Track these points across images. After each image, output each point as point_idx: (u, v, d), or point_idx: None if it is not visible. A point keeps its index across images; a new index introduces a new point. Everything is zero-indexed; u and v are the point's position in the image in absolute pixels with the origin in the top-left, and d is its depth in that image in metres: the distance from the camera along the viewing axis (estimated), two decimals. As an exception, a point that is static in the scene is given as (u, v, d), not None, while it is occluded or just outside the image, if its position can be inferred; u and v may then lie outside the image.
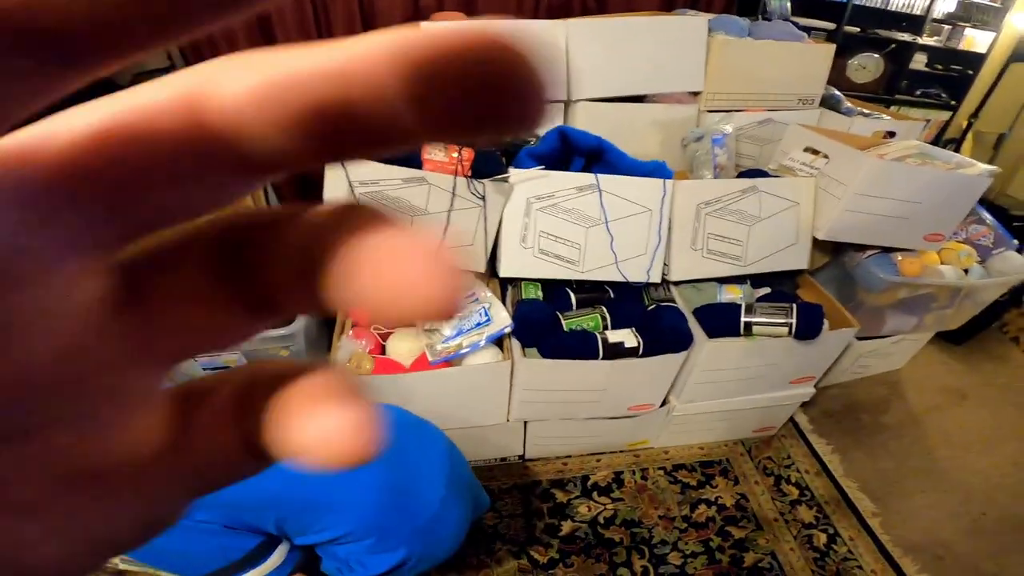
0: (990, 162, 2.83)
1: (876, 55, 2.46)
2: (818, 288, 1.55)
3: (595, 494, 1.66)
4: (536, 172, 1.34)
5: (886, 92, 2.72)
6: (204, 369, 1.40)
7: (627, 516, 1.58)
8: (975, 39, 2.69)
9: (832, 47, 1.72)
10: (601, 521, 1.57)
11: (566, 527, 1.55)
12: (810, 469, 1.76)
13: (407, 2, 2.08)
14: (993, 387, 1.78)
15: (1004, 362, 2.21)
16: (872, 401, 1.97)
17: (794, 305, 1.42)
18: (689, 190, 1.39)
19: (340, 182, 1.32)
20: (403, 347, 1.41)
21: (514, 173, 1.33)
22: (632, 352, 1.38)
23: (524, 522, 1.55)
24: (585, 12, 2.16)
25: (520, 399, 1.44)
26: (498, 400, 1.44)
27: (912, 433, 1.93)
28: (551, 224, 1.37)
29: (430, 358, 1.34)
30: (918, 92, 2.79)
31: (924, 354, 2.05)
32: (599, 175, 1.34)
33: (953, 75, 2.78)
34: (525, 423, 1.58)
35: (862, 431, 1.88)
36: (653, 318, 1.42)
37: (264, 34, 2.20)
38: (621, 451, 1.78)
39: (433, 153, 1.29)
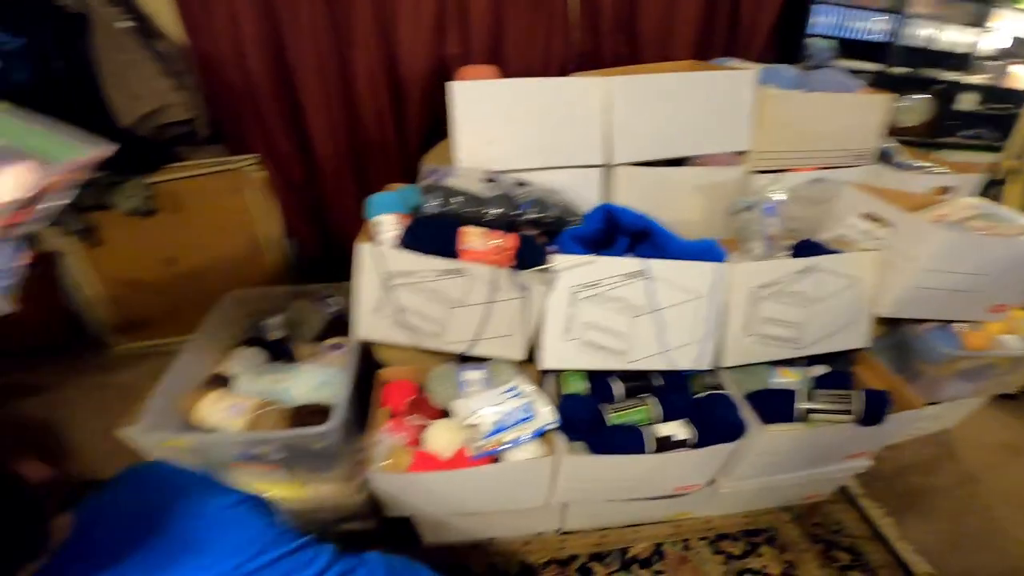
0: None
1: (924, 96, 2.34)
2: (879, 366, 1.45)
3: (635, 567, 1.59)
4: (580, 259, 1.25)
5: (932, 135, 2.62)
6: (235, 459, 1.34)
7: (669, 590, 1.52)
8: (1022, 76, 2.60)
9: (889, 97, 1.61)
10: (642, 595, 1.51)
11: (607, 603, 1.49)
12: (862, 533, 1.68)
13: (432, 55, 1.99)
14: (1053, 441, 1.69)
15: (1062, 416, 2.10)
16: (923, 462, 1.88)
17: (858, 393, 1.33)
18: (743, 273, 1.30)
19: (374, 275, 1.24)
20: (442, 439, 1.34)
21: (558, 259, 1.24)
22: (682, 444, 1.30)
23: (564, 599, 1.50)
24: (617, 59, 2.07)
25: (563, 487, 1.37)
26: (539, 488, 1.37)
27: (967, 492, 1.84)
28: (596, 314, 1.29)
29: (471, 453, 1.28)
30: (965, 133, 2.69)
31: (976, 410, 1.96)
32: (648, 260, 1.26)
33: (999, 114, 2.67)
34: (565, 503, 1.52)
35: (915, 493, 1.80)
36: (704, 407, 1.34)
37: (295, 119, 2.11)
38: (661, 521, 1.71)
39: (471, 243, 1.21)
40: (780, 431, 1.31)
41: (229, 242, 2.30)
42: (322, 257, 2.43)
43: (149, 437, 1.27)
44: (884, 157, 1.71)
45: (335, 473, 1.43)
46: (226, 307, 1.71)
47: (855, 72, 2.24)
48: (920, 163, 1.72)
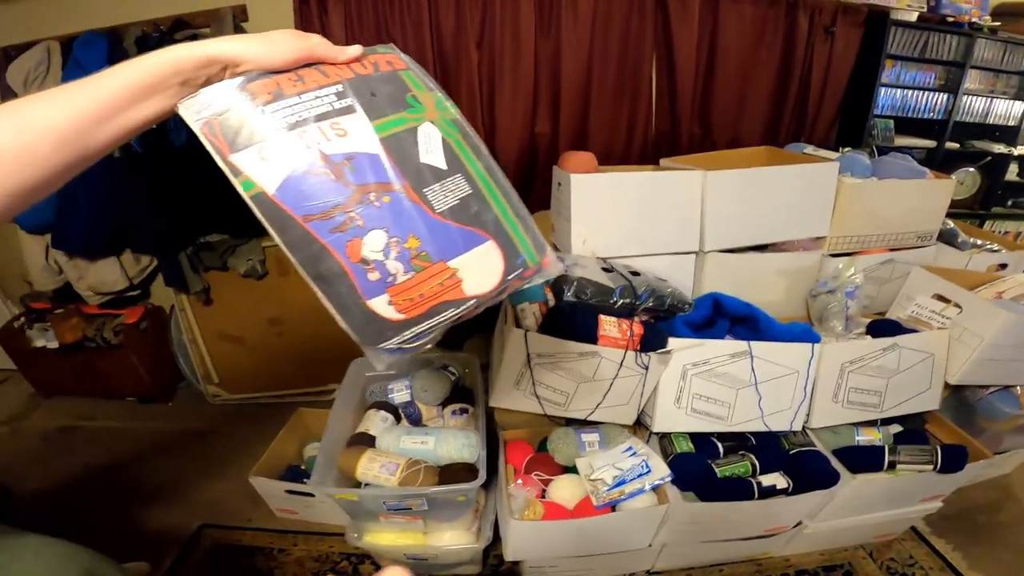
0: None
1: (972, 169, 2.51)
2: (948, 424, 1.64)
3: (719, 605, 1.76)
4: (693, 342, 1.46)
5: (982, 206, 2.73)
6: (388, 510, 1.53)
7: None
8: None
9: (952, 181, 1.79)
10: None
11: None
12: (933, 565, 1.82)
13: (525, 133, 2.20)
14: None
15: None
16: (986, 503, 2.03)
17: (938, 448, 1.52)
18: (834, 352, 1.50)
19: (520, 355, 1.45)
20: (567, 492, 1.54)
21: (673, 342, 1.45)
22: (783, 492, 1.50)
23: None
24: (691, 140, 2.27)
25: (669, 530, 1.56)
26: (648, 532, 1.55)
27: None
28: (704, 387, 1.49)
29: (595, 503, 1.47)
30: (1009, 203, 2.78)
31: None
32: (752, 343, 1.46)
33: None
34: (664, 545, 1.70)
35: (979, 530, 1.94)
36: (798, 461, 1.52)
37: None
38: (744, 560, 1.88)
39: (608, 330, 1.42)
40: (870, 478, 1.50)
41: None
42: None
43: (321, 491, 1.49)
44: (946, 237, 1.90)
45: (460, 522, 1.63)
46: (354, 372, 1.92)
47: (912, 149, 2.45)
48: (977, 240, 1.91)
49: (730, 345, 1.47)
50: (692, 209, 1.69)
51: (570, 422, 1.64)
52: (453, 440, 1.57)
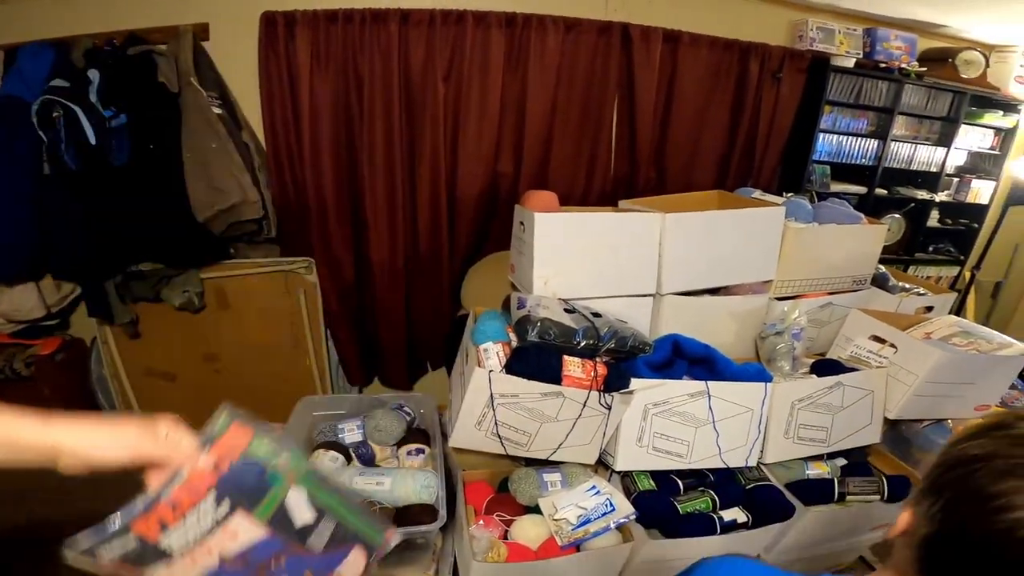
0: (990, 310, 3.16)
1: (898, 215, 2.70)
2: (889, 457, 1.74)
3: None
4: (654, 382, 1.48)
5: (906, 252, 2.90)
6: None
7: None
8: (980, 191, 2.87)
9: (884, 227, 1.93)
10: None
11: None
12: None
13: (489, 170, 2.20)
14: None
15: None
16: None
17: (884, 479, 1.60)
18: (785, 391, 1.56)
19: (483, 395, 1.42)
20: (531, 532, 1.50)
21: (635, 383, 1.47)
22: (743, 526, 1.52)
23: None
24: (647, 184, 2.35)
25: (634, 569, 1.55)
26: (613, 569, 1.53)
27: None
28: (664, 426, 1.51)
29: (560, 543, 1.44)
30: (930, 248, 2.96)
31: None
32: (709, 383, 1.50)
33: (961, 228, 2.96)
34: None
35: None
36: (755, 496, 1.56)
37: (356, 226, 2.23)
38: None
39: (572, 370, 1.42)
40: (823, 510, 1.55)
41: (272, 342, 2.32)
42: (359, 362, 2.50)
43: None
44: (878, 281, 2.04)
45: (417, 566, 1.56)
46: (301, 411, 1.82)
47: (846, 195, 2.62)
48: (905, 284, 2.06)
49: (689, 385, 1.50)
50: (650, 251, 1.72)
51: (531, 463, 1.62)
52: (412, 481, 1.51)
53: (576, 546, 1.46)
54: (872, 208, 2.63)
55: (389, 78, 2.01)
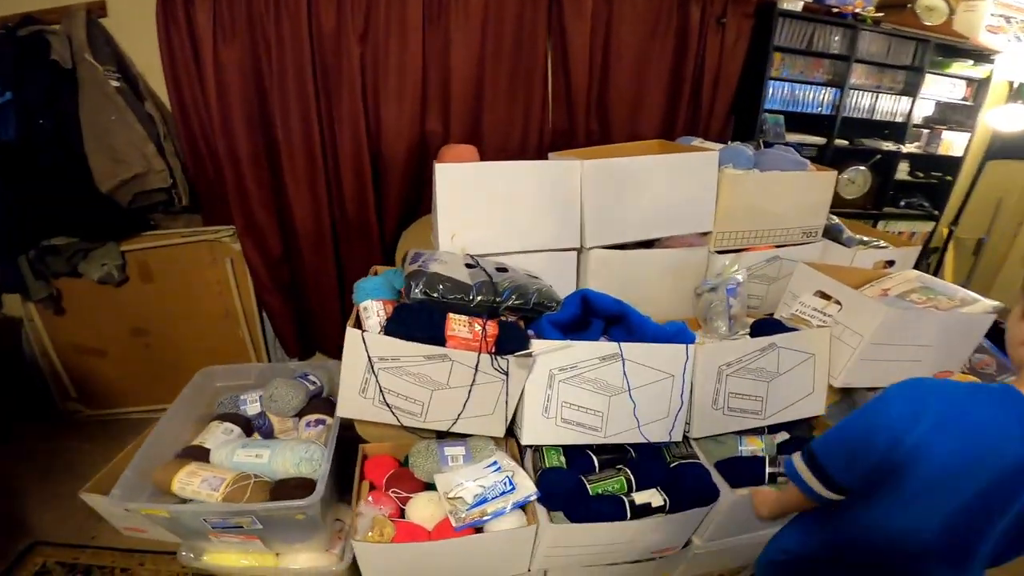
0: (972, 269, 2.94)
1: (863, 167, 2.49)
2: (833, 432, 1.55)
3: (614, 634, 1.62)
4: (558, 344, 1.32)
5: (874, 206, 2.72)
6: (213, 528, 1.34)
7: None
8: (952, 143, 2.71)
9: (834, 174, 1.75)
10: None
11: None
12: None
13: (414, 132, 2.06)
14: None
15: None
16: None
17: None
18: (710, 353, 1.39)
19: (361, 359, 1.28)
20: (425, 511, 1.37)
21: (536, 344, 1.31)
22: (659, 510, 1.36)
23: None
24: (589, 137, 2.18)
25: (544, 555, 1.41)
26: (522, 556, 1.40)
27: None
28: (574, 394, 1.35)
29: (454, 524, 1.30)
30: (902, 203, 2.78)
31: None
32: (622, 344, 1.33)
33: (933, 182, 2.79)
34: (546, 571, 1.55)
35: None
36: (677, 476, 1.40)
37: (277, 192, 2.13)
38: (642, 584, 1.75)
39: (457, 329, 1.26)
40: (747, 493, 1.38)
41: (202, 314, 2.26)
42: (295, 333, 2.41)
43: (121, 505, 1.29)
44: (832, 233, 1.85)
45: (313, 544, 1.44)
46: (201, 381, 1.72)
47: (802, 146, 2.43)
48: (864, 238, 1.86)
49: (599, 347, 1.34)
50: (571, 202, 1.57)
51: (443, 436, 1.48)
52: (290, 454, 1.38)
53: (476, 527, 1.33)
54: (832, 159, 2.46)
55: (299, 42, 1.88)
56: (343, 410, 1.37)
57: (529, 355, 1.29)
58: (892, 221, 2.76)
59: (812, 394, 1.51)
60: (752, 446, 1.49)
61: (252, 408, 1.65)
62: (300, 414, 1.62)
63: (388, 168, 2.10)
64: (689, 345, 1.36)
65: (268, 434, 1.61)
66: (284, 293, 2.28)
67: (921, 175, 2.80)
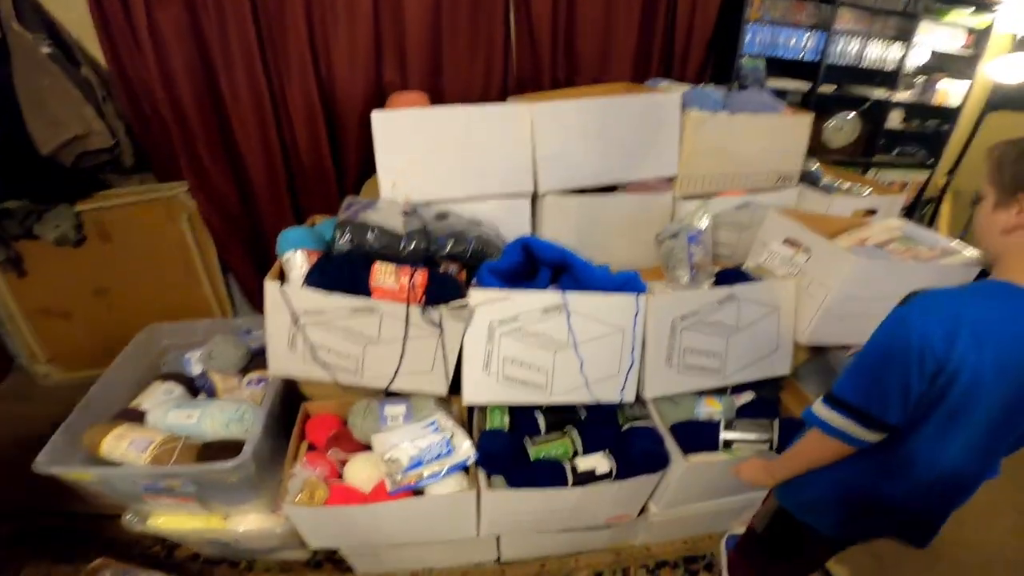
0: (969, 220, 2.78)
1: (852, 115, 2.34)
2: (801, 392, 1.46)
3: (572, 598, 1.58)
4: (496, 293, 1.23)
5: (863, 154, 2.58)
6: (145, 491, 1.30)
7: (605, 621, 1.51)
8: (949, 92, 2.56)
9: (810, 117, 1.61)
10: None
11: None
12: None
13: (369, 82, 1.94)
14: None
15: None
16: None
17: (775, 421, 1.33)
18: (663, 305, 1.29)
19: (284, 314, 1.20)
20: (362, 474, 1.32)
21: (474, 294, 1.22)
22: (604, 477, 1.29)
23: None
24: (555, 83, 2.05)
25: (490, 519, 1.35)
26: (467, 520, 1.34)
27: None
28: (516, 349, 1.27)
29: (389, 488, 1.25)
30: (895, 152, 2.65)
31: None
32: (567, 294, 1.24)
33: (928, 131, 2.65)
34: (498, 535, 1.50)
35: None
36: (626, 441, 1.32)
37: (228, 148, 2.05)
38: (602, 550, 1.70)
39: (382, 280, 1.18)
40: (701, 461, 1.31)
41: (163, 272, 2.21)
42: (261, 287, 2.37)
43: (50, 469, 1.24)
44: (809, 179, 1.72)
45: (256, 505, 1.40)
46: (144, 340, 1.67)
47: (785, 92, 2.27)
48: (846, 184, 1.73)
49: (540, 297, 1.25)
50: (521, 147, 1.46)
51: (390, 394, 1.40)
52: (220, 414, 1.33)
53: (415, 491, 1.27)
54: (817, 106, 2.30)
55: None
56: (274, 367, 1.31)
57: (464, 306, 1.21)
58: (884, 170, 2.62)
59: (777, 351, 1.41)
60: (710, 408, 1.40)
61: (197, 367, 1.59)
62: (245, 372, 1.56)
63: (344, 120, 2.00)
64: (639, 296, 1.26)
65: (212, 393, 1.55)
66: (245, 247, 2.22)
67: (916, 124, 2.64)
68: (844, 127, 2.30)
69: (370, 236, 1.21)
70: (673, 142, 1.53)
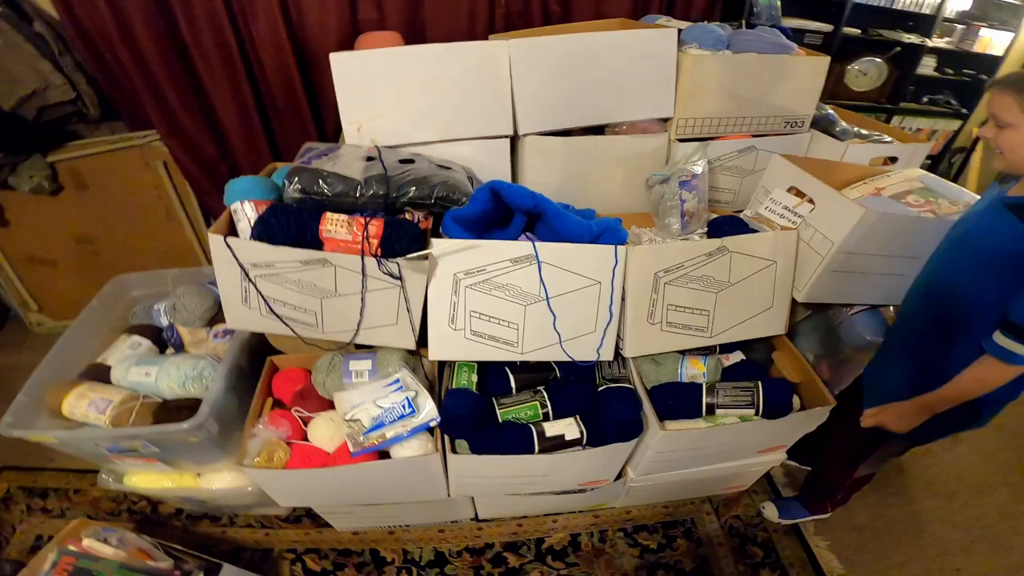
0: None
1: (879, 59, 2.12)
2: (795, 353, 1.34)
3: (549, 558, 1.56)
4: (460, 243, 1.13)
5: (889, 100, 2.38)
6: (109, 452, 1.27)
7: (581, 583, 1.47)
8: (992, 40, 2.34)
9: (826, 60, 1.45)
10: (553, 588, 1.46)
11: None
12: (778, 527, 1.63)
13: (345, 21, 1.80)
14: (989, 427, 1.62)
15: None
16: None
17: (759, 384, 1.23)
18: (645, 257, 1.18)
19: (232, 267, 1.12)
20: (325, 434, 1.27)
21: (436, 244, 1.13)
22: (574, 444, 1.22)
23: (474, 588, 1.45)
24: (548, 20, 1.88)
25: (459, 482, 1.30)
26: (436, 482, 1.30)
27: (895, 483, 1.78)
28: (483, 302, 1.18)
29: (351, 449, 1.19)
30: (925, 99, 2.45)
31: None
32: (537, 244, 1.14)
33: (965, 80, 2.44)
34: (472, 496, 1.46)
35: None
36: (600, 405, 1.24)
37: (197, 94, 1.95)
38: (580, 511, 1.65)
39: (333, 230, 1.09)
40: (677, 430, 1.23)
41: (144, 218, 2.18)
42: None
43: (12, 432, 1.21)
44: (822, 124, 1.56)
45: (228, 463, 1.37)
46: (111, 292, 1.61)
47: (803, 32, 2.06)
48: (864, 131, 1.56)
49: (509, 247, 1.14)
50: (499, 86, 1.34)
51: (358, 347, 1.33)
52: (175, 371, 1.27)
53: (379, 453, 1.21)
54: (840, 49, 2.11)
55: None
56: (231, 320, 1.24)
57: (425, 258, 1.11)
58: (910, 117, 2.42)
59: (771, 309, 1.30)
60: (694, 369, 1.30)
61: (165, 319, 1.53)
62: (213, 323, 1.50)
63: (319, 64, 1.88)
64: (618, 247, 1.15)
65: (180, 347, 1.50)
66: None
67: (951, 72, 2.44)
68: (869, 72, 2.11)
69: (322, 184, 1.11)
70: (669, 82, 1.40)
